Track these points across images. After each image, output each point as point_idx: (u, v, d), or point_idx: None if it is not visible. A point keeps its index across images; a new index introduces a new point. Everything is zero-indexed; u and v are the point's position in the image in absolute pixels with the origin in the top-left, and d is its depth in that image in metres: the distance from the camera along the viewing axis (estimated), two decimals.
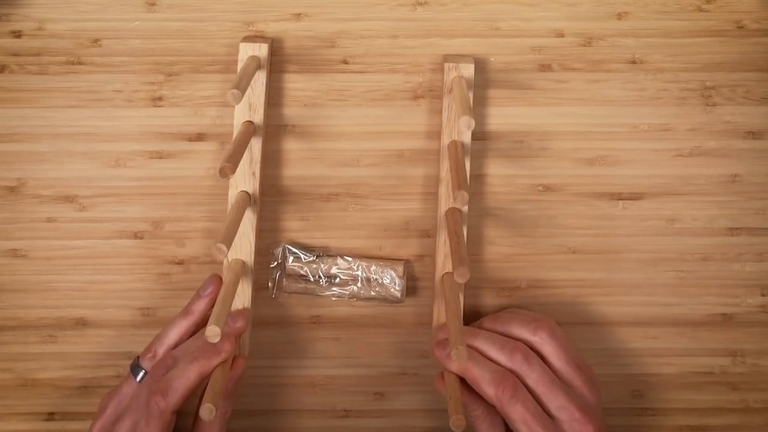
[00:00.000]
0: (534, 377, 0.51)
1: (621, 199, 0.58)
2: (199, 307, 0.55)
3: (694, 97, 0.57)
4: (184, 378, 0.50)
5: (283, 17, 0.56)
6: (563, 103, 0.57)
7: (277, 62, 0.56)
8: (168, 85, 0.57)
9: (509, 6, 0.56)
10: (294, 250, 0.57)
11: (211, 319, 0.47)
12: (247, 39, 0.55)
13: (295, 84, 0.57)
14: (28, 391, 0.59)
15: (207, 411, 0.47)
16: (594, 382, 0.53)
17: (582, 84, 0.57)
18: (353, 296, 0.58)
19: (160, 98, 0.57)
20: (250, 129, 0.53)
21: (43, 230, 0.58)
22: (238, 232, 0.53)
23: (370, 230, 0.58)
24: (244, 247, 0.55)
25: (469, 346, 0.53)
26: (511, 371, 0.51)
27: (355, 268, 0.57)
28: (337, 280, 0.57)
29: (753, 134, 0.57)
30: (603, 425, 0.51)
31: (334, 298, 0.58)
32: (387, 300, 0.58)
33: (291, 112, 0.57)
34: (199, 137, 0.57)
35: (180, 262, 0.58)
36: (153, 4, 0.56)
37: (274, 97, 0.57)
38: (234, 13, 0.56)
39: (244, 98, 0.52)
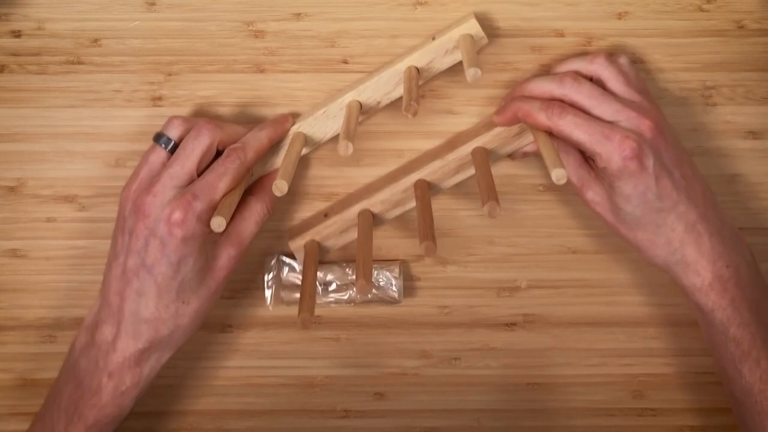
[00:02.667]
0: (585, 91, 0.52)
1: None
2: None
3: (694, 97, 0.57)
4: (258, 140, 0.53)
5: (283, 17, 0.56)
6: None
7: (276, 62, 0.56)
8: (168, 85, 0.56)
9: (509, 6, 0.56)
10: (287, 261, 0.57)
11: (278, 177, 0.49)
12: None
13: (295, 84, 0.57)
14: (28, 391, 0.59)
15: (217, 224, 0.49)
16: (654, 104, 0.53)
17: None
18: (351, 301, 0.58)
19: (160, 98, 0.57)
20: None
21: (43, 230, 0.58)
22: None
23: None
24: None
25: (519, 91, 0.54)
26: (563, 98, 0.52)
27: (350, 273, 0.57)
28: (334, 286, 0.57)
29: (753, 134, 0.57)
30: (661, 120, 0.52)
31: (333, 305, 0.58)
32: (385, 301, 0.58)
33: (291, 112, 0.57)
34: None
35: None
36: (153, 4, 0.56)
37: (274, 97, 0.57)
38: (234, 13, 0.56)
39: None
